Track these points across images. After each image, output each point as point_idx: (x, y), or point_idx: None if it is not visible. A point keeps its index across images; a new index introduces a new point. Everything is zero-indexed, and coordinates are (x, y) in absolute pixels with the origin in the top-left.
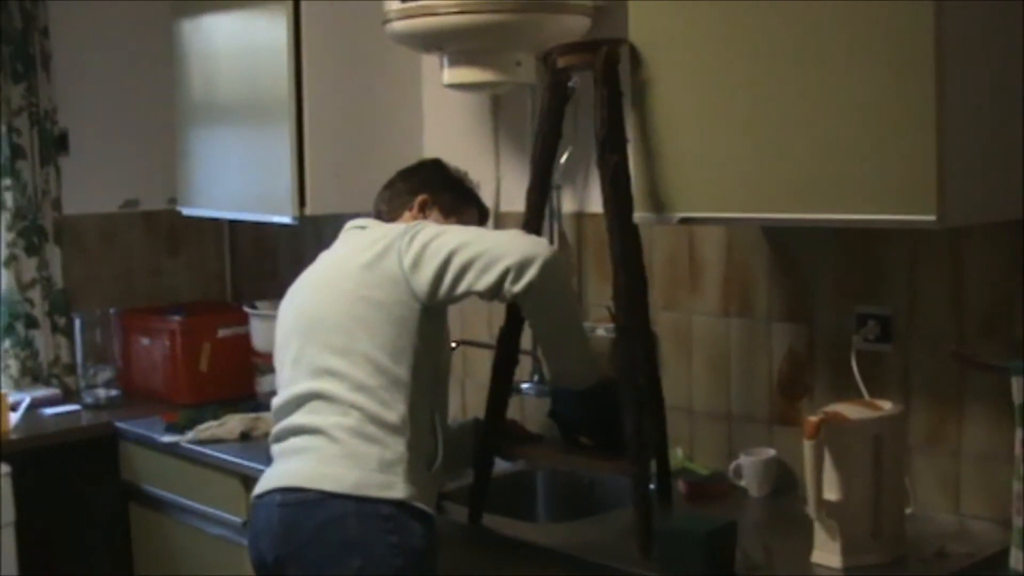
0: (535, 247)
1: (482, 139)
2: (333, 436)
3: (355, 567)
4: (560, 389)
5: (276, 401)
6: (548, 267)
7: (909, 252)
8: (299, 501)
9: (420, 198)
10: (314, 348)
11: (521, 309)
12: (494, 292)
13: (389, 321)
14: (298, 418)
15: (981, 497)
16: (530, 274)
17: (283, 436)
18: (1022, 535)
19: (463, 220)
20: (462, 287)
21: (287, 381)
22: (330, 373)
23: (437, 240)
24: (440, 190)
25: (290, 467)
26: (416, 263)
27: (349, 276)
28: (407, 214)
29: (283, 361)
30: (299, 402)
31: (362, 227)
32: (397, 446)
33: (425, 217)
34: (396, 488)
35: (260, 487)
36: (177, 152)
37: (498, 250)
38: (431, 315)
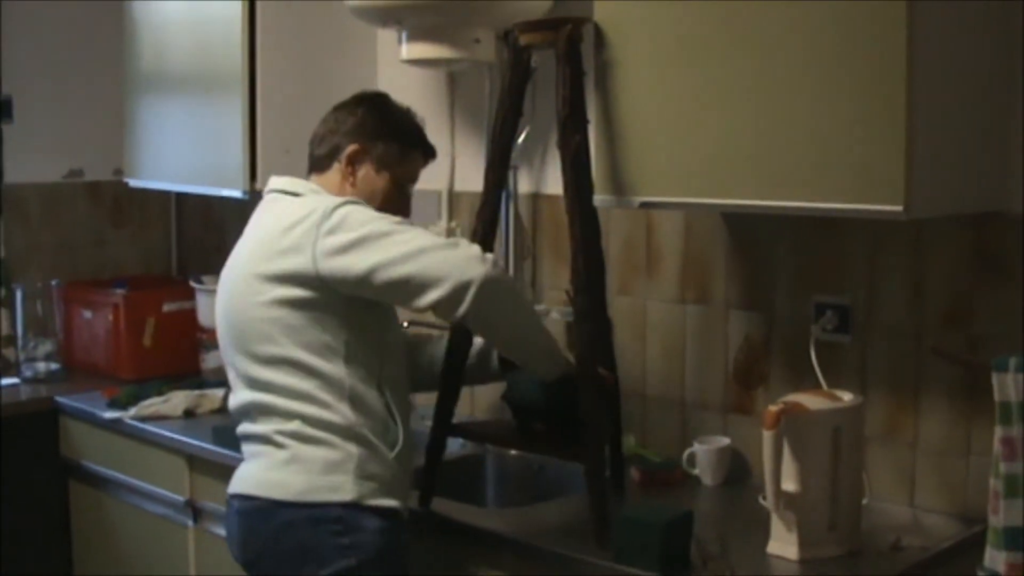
0: (469, 270)
1: (437, 117)
2: (278, 442)
3: (310, 573)
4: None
5: (230, 403)
6: (484, 291)
7: (869, 243)
8: (253, 509)
9: (350, 149)
10: (243, 359)
11: None
12: (425, 311)
13: (311, 321)
14: (246, 426)
15: (936, 490)
16: (465, 304)
17: (242, 439)
18: (999, 534)
19: (398, 172)
20: (387, 300)
21: (231, 384)
22: (262, 386)
23: (357, 250)
24: (374, 139)
25: (246, 471)
26: (333, 266)
27: (264, 278)
28: (336, 166)
29: (223, 359)
30: (244, 411)
31: (283, 192)
32: (345, 445)
33: (354, 172)
34: (344, 489)
35: (229, 488)
36: (125, 122)
37: (429, 275)
38: (359, 303)
